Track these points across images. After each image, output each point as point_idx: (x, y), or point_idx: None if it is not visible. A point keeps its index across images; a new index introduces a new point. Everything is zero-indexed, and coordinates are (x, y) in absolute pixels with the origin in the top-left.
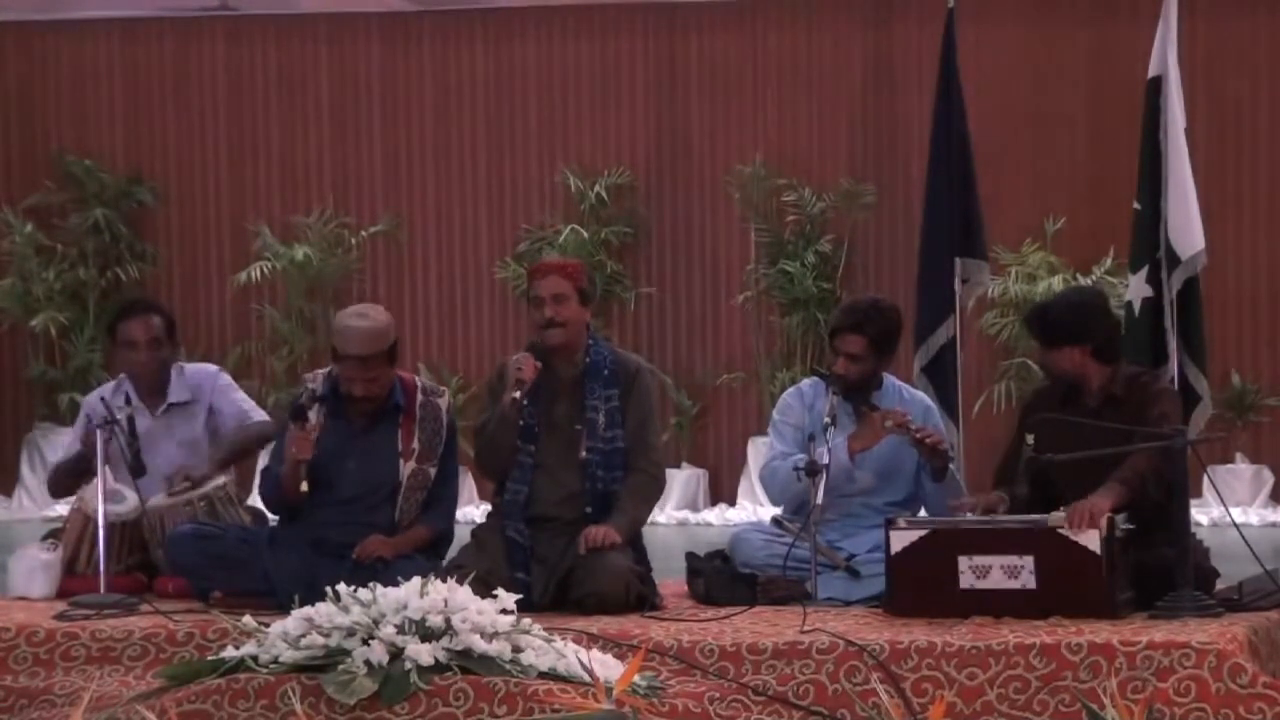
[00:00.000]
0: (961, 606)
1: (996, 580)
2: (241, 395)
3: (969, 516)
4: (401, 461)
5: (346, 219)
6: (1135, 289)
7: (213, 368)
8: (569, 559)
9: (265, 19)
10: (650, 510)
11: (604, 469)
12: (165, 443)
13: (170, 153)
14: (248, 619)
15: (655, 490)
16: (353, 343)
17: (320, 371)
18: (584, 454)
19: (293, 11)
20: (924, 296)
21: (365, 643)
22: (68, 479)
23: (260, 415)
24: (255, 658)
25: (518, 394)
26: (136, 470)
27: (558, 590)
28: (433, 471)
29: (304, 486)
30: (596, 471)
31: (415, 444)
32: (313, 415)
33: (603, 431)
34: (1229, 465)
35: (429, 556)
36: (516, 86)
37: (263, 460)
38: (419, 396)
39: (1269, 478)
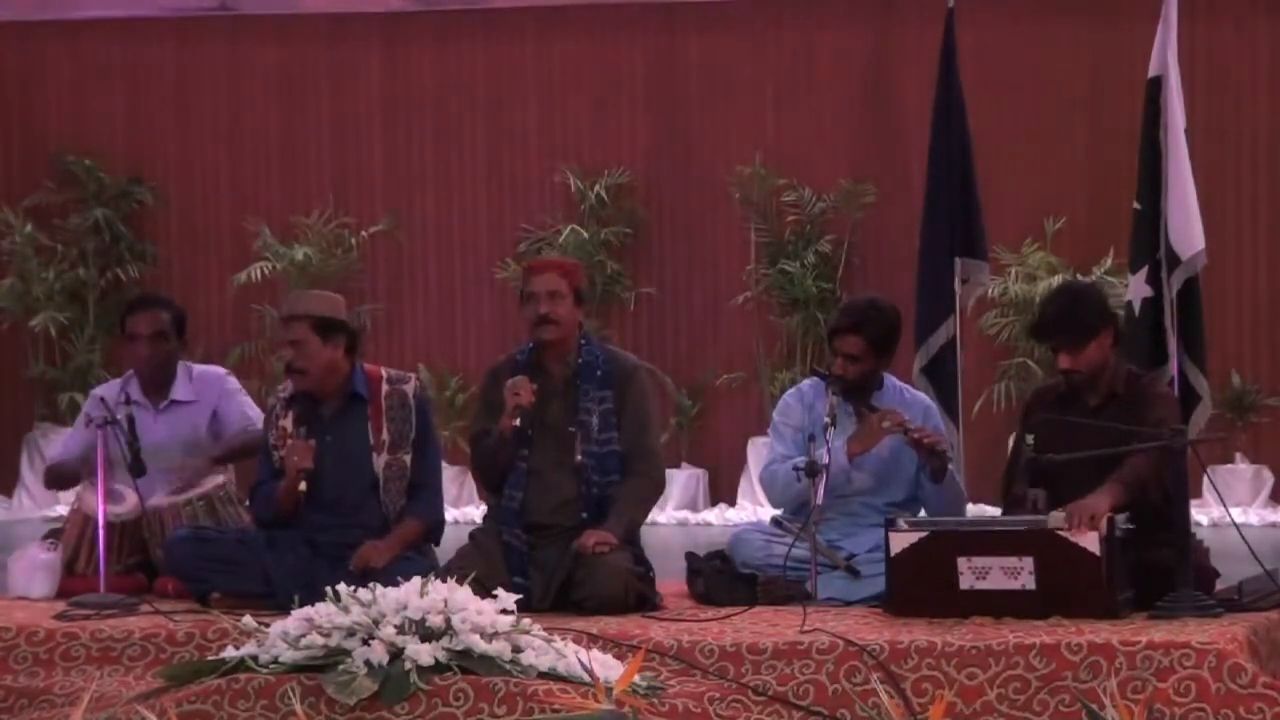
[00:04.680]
0: (961, 607)
1: (996, 581)
2: (248, 401)
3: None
4: (374, 455)
5: (346, 219)
6: (1135, 289)
7: (221, 370)
8: (567, 563)
9: (265, 19)
10: (648, 512)
11: (598, 473)
12: (165, 440)
13: (170, 153)
14: (248, 619)
15: (653, 493)
16: (284, 304)
17: None
18: (578, 458)
19: (293, 11)
20: (924, 296)
21: (365, 643)
22: (60, 481)
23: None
24: (255, 658)
25: (517, 421)
26: (136, 470)
27: (557, 594)
28: (407, 460)
29: (303, 486)
30: (591, 476)
31: (385, 435)
32: (285, 423)
33: (597, 434)
34: (1229, 465)
35: (423, 551)
36: (516, 86)
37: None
38: (384, 386)
39: (1269, 478)
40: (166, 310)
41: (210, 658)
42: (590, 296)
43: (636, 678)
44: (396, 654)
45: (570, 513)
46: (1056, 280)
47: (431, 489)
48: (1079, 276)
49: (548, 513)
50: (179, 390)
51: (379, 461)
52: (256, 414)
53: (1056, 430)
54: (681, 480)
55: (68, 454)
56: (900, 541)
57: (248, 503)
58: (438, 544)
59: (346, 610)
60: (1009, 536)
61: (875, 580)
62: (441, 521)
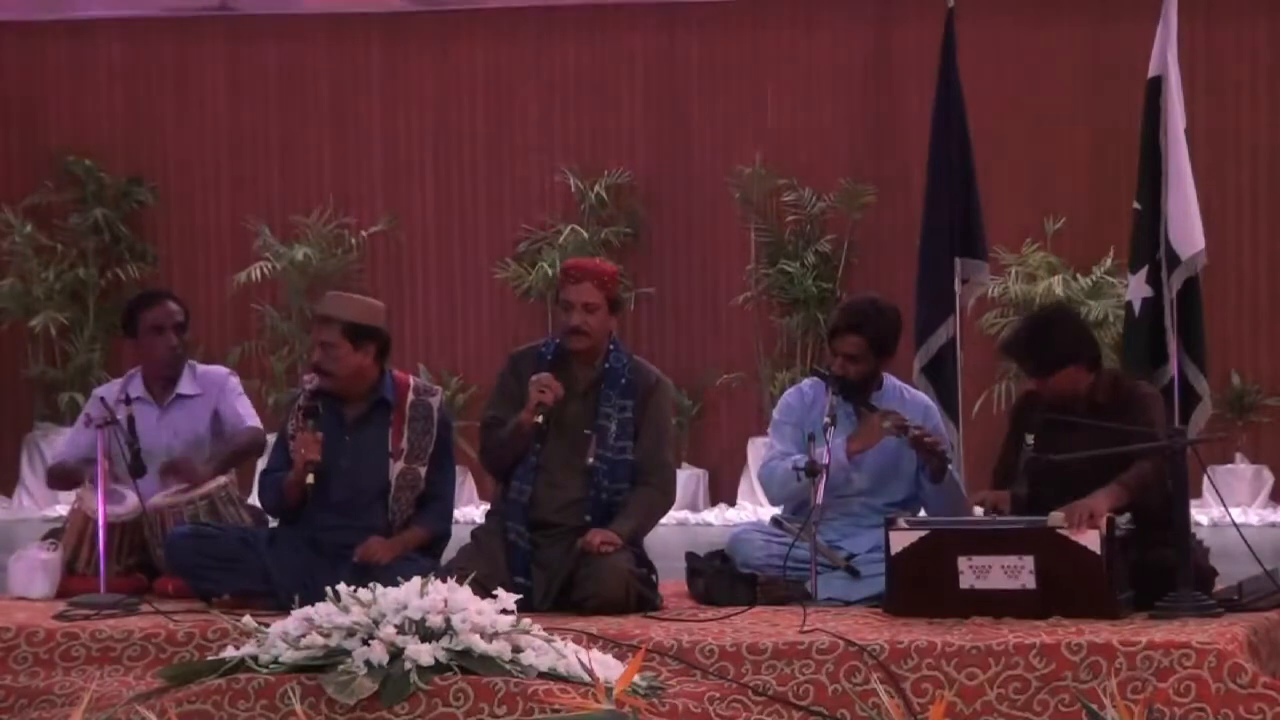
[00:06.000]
0: (961, 606)
1: (996, 580)
2: (244, 402)
3: (979, 512)
4: (390, 461)
5: (346, 219)
6: (1135, 289)
7: (225, 370)
8: (570, 563)
9: (265, 19)
10: (654, 523)
11: (609, 479)
12: (167, 436)
13: (170, 153)
14: (248, 619)
15: (663, 505)
16: (321, 303)
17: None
18: (591, 460)
19: (293, 11)
20: (924, 296)
21: (365, 643)
22: (63, 481)
23: (254, 422)
24: (255, 658)
25: (539, 418)
26: (136, 470)
27: (559, 594)
28: (422, 471)
29: (310, 479)
30: (602, 480)
31: (404, 443)
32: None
33: (613, 441)
34: (1229, 465)
35: (426, 556)
36: (516, 86)
37: (261, 463)
38: (410, 395)
39: (1269, 478)
40: (176, 304)
41: (210, 658)
42: (624, 303)
43: (636, 678)
44: (396, 654)
45: (576, 513)
46: (1057, 280)
47: (442, 502)
48: (1078, 277)
49: (554, 510)
50: (184, 386)
51: (394, 469)
52: (249, 414)
53: (1057, 430)
54: (681, 480)
55: (69, 454)
56: (901, 540)
57: (255, 489)
58: (438, 557)
59: (346, 610)
60: (1010, 535)
61: (875, 580)
62: (448, 534)
